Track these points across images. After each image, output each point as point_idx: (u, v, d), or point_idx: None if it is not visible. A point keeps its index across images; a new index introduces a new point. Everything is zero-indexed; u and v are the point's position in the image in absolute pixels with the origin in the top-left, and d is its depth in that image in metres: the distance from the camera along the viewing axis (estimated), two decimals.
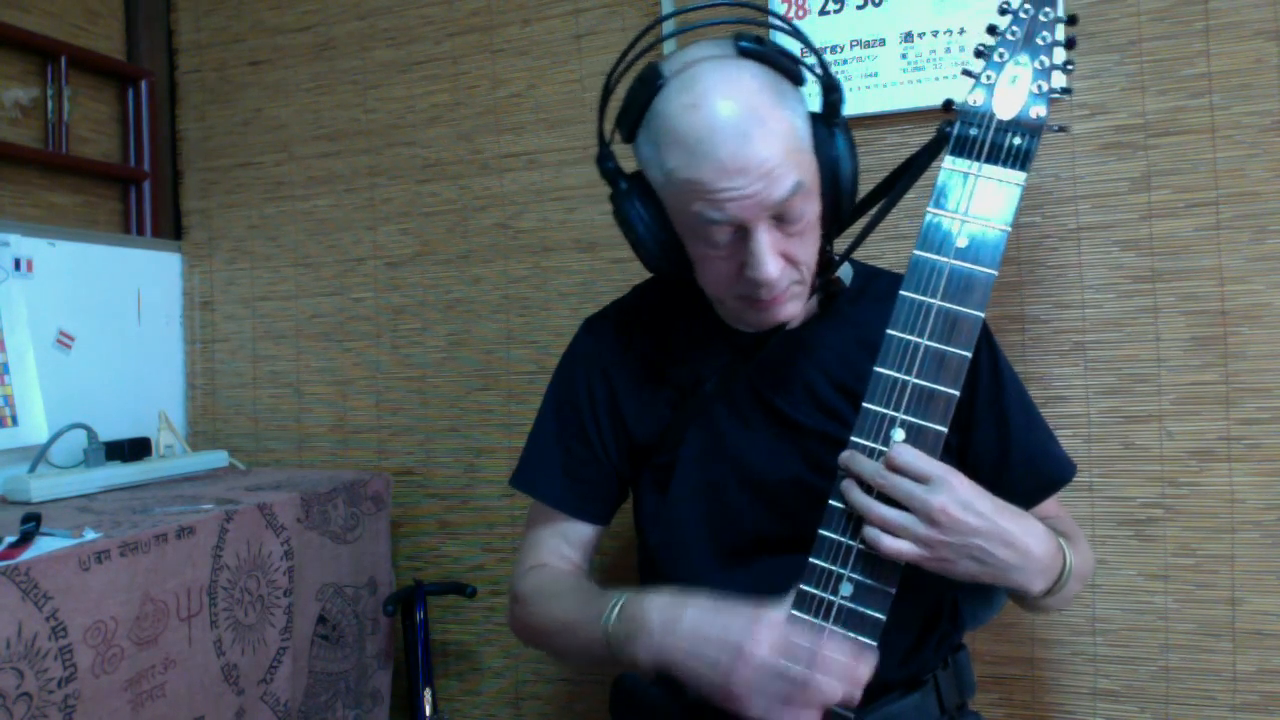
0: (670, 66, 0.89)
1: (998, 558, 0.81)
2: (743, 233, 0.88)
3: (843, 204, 0.93)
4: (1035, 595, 0.86)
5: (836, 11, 1.41)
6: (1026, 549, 0.82)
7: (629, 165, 0.96)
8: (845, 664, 0.79)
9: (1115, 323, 1.32)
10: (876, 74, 1.39)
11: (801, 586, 0.84)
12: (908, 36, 1.38)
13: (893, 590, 0.82)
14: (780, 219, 0.88)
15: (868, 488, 0.82)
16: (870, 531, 0.81)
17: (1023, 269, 1.36)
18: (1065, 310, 1.34)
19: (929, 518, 0.79)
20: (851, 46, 1.40)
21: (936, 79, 1.36)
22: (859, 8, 1.40)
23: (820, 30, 1.41)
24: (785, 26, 0.96)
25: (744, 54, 0.87)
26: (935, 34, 1.36)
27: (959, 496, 0.80)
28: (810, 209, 0.89)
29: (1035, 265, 1.35)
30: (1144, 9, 1.30)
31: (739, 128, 0.84)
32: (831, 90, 0.91)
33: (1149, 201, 1.30)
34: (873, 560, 0.82)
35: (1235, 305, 1.27)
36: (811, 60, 0.93)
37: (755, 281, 0.89)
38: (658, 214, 0.93)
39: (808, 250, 0.92)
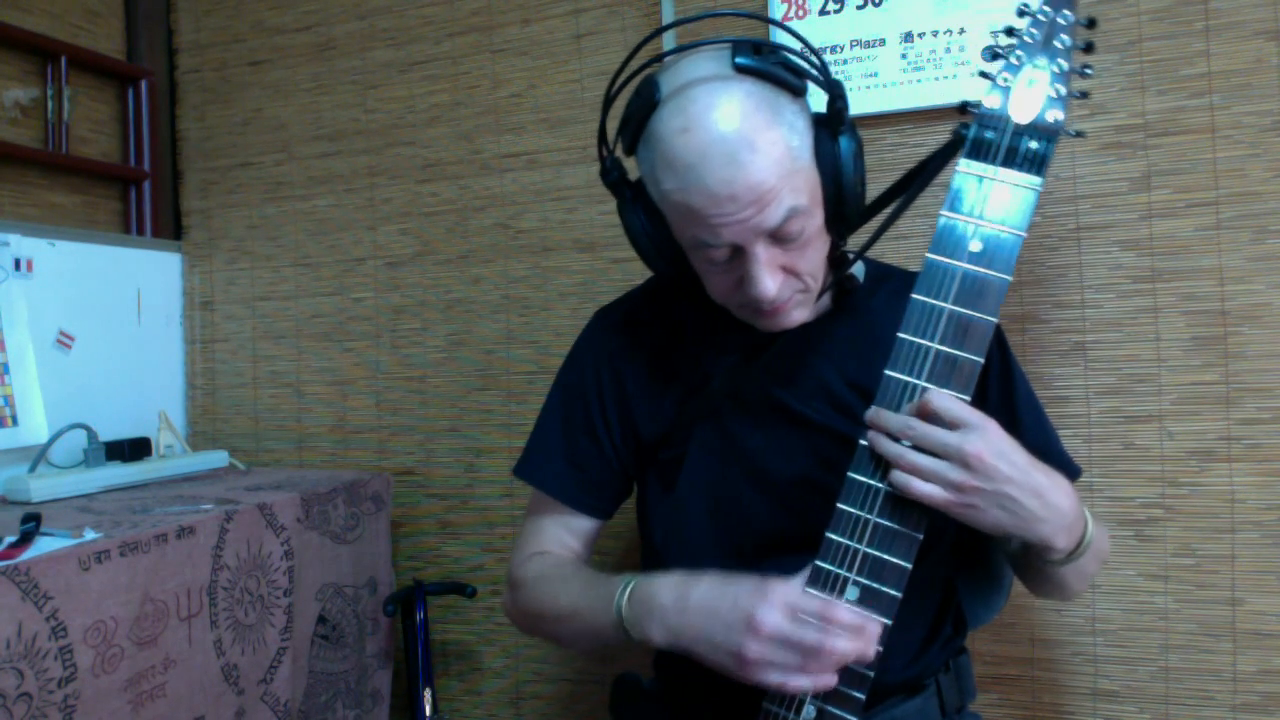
0: (666, 82, 0.88)
1: (1027, 508, 0.80)
2: (740, 251, 0.88)
3: (848, 209, 0.92)
4: (1059, 552, 0.85)
5: (836, 11, 1.41)
6: (1056, 503, 0.82)
7: (632, 169, 0.96)
8: (856, 624, 0.79)
9: (1115, 323, 1.32)
10: (876, 74, 1.39)
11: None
12: (908, 36, 1.38)
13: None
14: (777, 239, 0.88)
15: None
16: (899, 476, 0.80)
17: (1023, 269, 1.36)
18: (1065, 310, 1.34)
19: (963, 462, 0.78)
20: (851, 46, 1.40)
21: (936, 79, 1.36)
22: (859, 8, 1.40)
23: (820, 30, 1.41)
24: (790, 32, 0.94)
25: (740, 70, 0.86)
26: (935, 34, 1.36)
27: (994, 443, 0.79)
28: (810, 224, 0.89)
29: (1035, 265, 1.35)
30: (1144, 9, 1.30)
31: (729, 154, 0.83)
32: (835, 97, 0.89)
33: (1149, 201, 1.30)
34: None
35: (1235, 305, 1.27)
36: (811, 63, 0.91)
37: (755, 297, 0.89)
38: (662, 224, 0.94)
39: (810, 261, 0.92)
